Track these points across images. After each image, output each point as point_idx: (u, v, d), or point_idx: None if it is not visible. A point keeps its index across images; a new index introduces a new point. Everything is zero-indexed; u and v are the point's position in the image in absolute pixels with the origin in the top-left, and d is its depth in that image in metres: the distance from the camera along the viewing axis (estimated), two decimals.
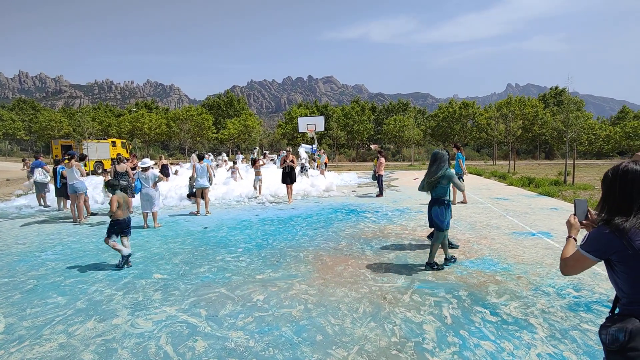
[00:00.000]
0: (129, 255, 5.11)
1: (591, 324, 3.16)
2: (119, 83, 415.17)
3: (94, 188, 11.81)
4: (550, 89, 61.23)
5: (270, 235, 6.80)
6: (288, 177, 11.02)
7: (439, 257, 4.94)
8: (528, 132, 51.10)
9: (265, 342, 3.01)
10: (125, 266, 5.06)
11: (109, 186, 5.34)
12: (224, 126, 57.80)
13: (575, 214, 1.81)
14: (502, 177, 18.21)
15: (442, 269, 4.66)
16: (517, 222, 7.41)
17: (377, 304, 3.67)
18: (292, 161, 10.99)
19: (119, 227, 5.20)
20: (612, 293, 3.77)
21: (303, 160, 17.00)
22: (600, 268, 4.56)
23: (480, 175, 20.27)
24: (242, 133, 54.71)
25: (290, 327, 3.26)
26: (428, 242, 6.06)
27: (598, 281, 4.14)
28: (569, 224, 1.79)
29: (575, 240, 1.73)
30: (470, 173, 20.15)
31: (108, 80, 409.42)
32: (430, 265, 4.70)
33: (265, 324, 3.32)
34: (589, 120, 48.01)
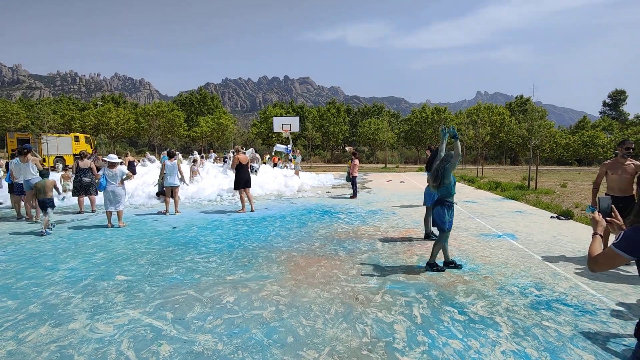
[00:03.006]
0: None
1: (551, 321, 3.30)
2: (84, 75, 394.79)
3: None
4: (516, 97, 64.24)
5: (242, 235, 6.66)
6: (241, 181, 9.15)
7: (440, 258, 4.94)
8: (495, 138, 53.37)
9: (235, 344, 2.93)
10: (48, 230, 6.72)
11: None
12: (196, 124, 56.40)
13: (599, 211, 1.81)
14: (470, 181, 18.87)
15: (443, 270, 4.66)
16: (485, 224, 7.67)
17: (349, 305, 3.67)
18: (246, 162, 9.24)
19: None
20: (570, 292, 3.97)
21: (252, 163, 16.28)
22: (560, 269, 4.79)
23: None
24: (215, 131, 53.59)
25: (260, 329, 3.19)
26: (400, 243, 6.15)
27: (558, 281, 4.34)
28: (594, 220, 1.79)
29: (601, 236, 1.75)
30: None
31: (72, 71, 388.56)
32: (431, 265, 4.69)
33: (234, 326, 3.23)
34: (551, 129, 50.81)
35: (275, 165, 20.20)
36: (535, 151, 18.70)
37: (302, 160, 31.78)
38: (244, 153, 9.55)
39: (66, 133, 30.63)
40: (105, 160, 7.75)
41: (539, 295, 3.91)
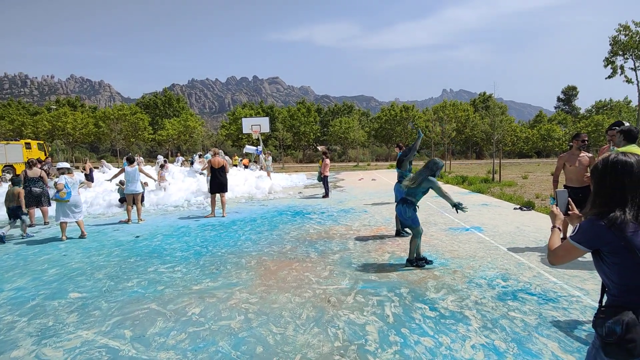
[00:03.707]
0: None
1: (517, 311, 3.37)
2: (36, 77, 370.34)
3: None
4: (479, 94, 66.86)
5: (210, 241, 6.41)
6: (218, 185, 8.90)
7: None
8: (461, 133, 55.28)
9: None
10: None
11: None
12: (161, 127, 54.40)
13: (557, 205, 1.83)
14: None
15: (423, 266, 4.68)
16: (453, 218, 7.84)
17: (320, 308, 3.58)
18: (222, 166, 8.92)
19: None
20: (534, 281, 4.08)
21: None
22: (524, 258, 4.95)
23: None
24: (182, 134, 51.90)
25: (228, 340, 3.03)
26: (372, 241, 6.15)
27: (522, 270, 4.47)
28: (552, 214, 1.80)
29: (560, 229, 1.76)
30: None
31: (22, 74, 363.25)
32: (410, 262, 4.73)
33: (200, 340, 3.05)
34: (511, 124, 53.35)
35: (246, 167, 19.81)
36: (498, 145, 19.51)
37: (274, 161, 31.45)
38: (218, 156, 9.22)
39: (16, 140, 28.53)
40: (58, 169, 7.24)
41: (505, 286, 4.00)
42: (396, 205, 4.86)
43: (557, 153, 55.16)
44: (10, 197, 7.33)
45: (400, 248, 5.64)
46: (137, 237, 6.92)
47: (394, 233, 6.59)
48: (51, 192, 8.23)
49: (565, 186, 5.34)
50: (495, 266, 4.66)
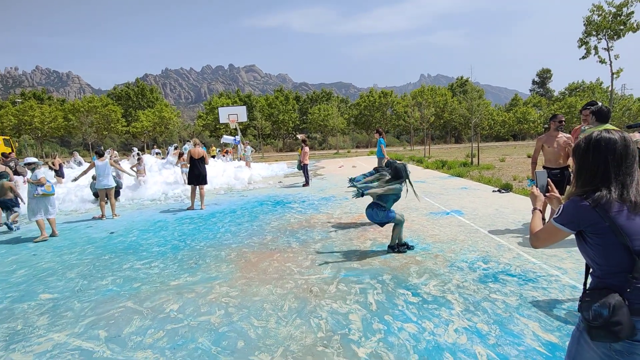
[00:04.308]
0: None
1: (498, 293, 3.41)
2: None
3: None
4: (457, 79, 67.75)
5: (188, 235, 6.23)
6: (196, 177, 8.58)
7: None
8: (440, 118, 56.05)
9: (179, 358, 2.65)
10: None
11: None
12: (135, 118, 52.54)
13: (537, 186, 1.79)
14: (419, 161, 19.60)
15: (405, 252, 4.71)
16: (433, 203, 7.92)
17: (303, 299, 3.52)
18: (202, 157, 8.59)
19: None
20: (514, 262, 4.15)
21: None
22: (504, 240, 5.03)
23: (399, 160, 21.58)
24: (157, 125, 50.35)
25: (208, 336, 2.93)
26: (354, 228, 6.12)
27: (502, 252, 4.54)
28: (532, 196, 1.75)
29: (541, 211, 1.71)
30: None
31: None
32: (392, 248, 4.77)
33: (178, 337, 2.94)
34: (488, 107, 54.40)
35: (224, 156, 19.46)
36: (476, 129, 19.87)
37: (253, 150, 30.98)
38: (198, 146, 8.83)
39: None
40: (26, 164, 6.82)
41: (486, 268, 4.05)
42: (366, 210, 4.81)
43: (532, 136, 56.89)
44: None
45: (382, 235, 5.63)
46: (112, 233, 6.65)
47: None
48: (24, 189, 7.84)
49: (544, 167, 5.43)
50: (476, 249, 4.71)
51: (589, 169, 1.39)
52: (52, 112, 47.04)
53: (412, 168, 16.50)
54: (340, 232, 5.94)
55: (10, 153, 11.67)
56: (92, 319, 3.35)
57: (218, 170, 13.96)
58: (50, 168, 12.30)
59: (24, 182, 8.58)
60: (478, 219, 6.31)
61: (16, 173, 10.15)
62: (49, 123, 46.15)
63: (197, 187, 8.68)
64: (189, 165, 8.66)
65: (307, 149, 12.10)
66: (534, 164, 5.58)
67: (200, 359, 2.64)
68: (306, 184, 11.93)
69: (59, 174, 12.18)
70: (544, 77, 74.60)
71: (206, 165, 8.76)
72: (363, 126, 58.28)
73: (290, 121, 55.88)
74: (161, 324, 3.18)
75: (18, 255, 5.53)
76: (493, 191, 9.05)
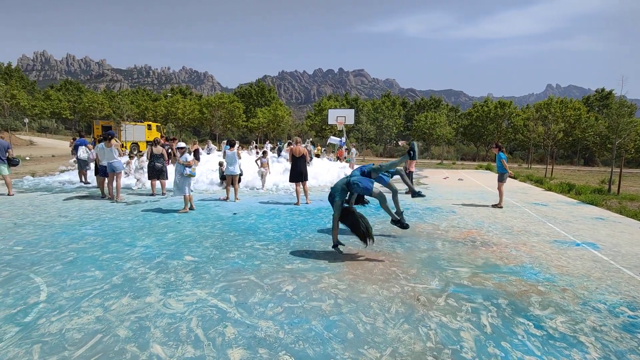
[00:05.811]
0: None
1: None
2: (157, 69, 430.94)
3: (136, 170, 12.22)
4: (596, 91, 57.51)
5: (298, 225, 6.76)
6: (298, 174, 8.87)
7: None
8: (569, 135, 48.37)
9: (295, 334, 2.95)
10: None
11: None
12: (254, 115, 58.53)
13: None
14: (538, 182, 17.31)
15: (407, 227, 5.42)
16: (559, 230, 6.97)
17: (410, 305, 3.53)
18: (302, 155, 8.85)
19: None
20: None
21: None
22: None
23: (515, 178, 19.35)
24: (271, 122, 55.20)
25: (320, 321, 3.18)
26: (462, 244, 5.81)
27: None
28: None
29: None
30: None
31: (146, 65, 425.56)
32: (394, 222, 5.43)
33: (294, 316, 3.26)
34: (637, 127, 44.72)
35: (338, 158, 20.36)
36: (620, 151, 16.62)
37: (357, 153, 31.53)
38: (299, 144, 9.09)
39: (140, 121, 33.60)
40: (178, 148, 8.29)
41: (634, 316, 3.43)
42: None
43: None
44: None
45: (496, 255, 5.22)
46: (235, 214, 7.62)
47: (487, 238, 6.13)
48: (170, 167, 9.54)
49: None
50: (618, 291, 4.02)
51: None
52: (192, 106, 55.83)
53: (530, 188, 14.69)
54: (448, 245, 5.71)
55: (166, 139, 14.23)
56: (224, 284, 3.94)
57: (323, 168, 14.68)
58: (189, 152, 14.64)
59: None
60: (620, 257, 5.34)
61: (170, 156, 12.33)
62: (188, 114, 54.86)
63: (300, 183, 8.95)
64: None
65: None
66: None
67: (314, 340, 2.89)
68: (411, 192, 11.66)
69: (196, 157, 14.39)
70: None
71: (307, 164, 9.01)
72: (472, 137, 53.94)
73: (394, 127, 55.09)
74: (279, 300, 3.57)
75: (168, 221, 6.78)
76: None
